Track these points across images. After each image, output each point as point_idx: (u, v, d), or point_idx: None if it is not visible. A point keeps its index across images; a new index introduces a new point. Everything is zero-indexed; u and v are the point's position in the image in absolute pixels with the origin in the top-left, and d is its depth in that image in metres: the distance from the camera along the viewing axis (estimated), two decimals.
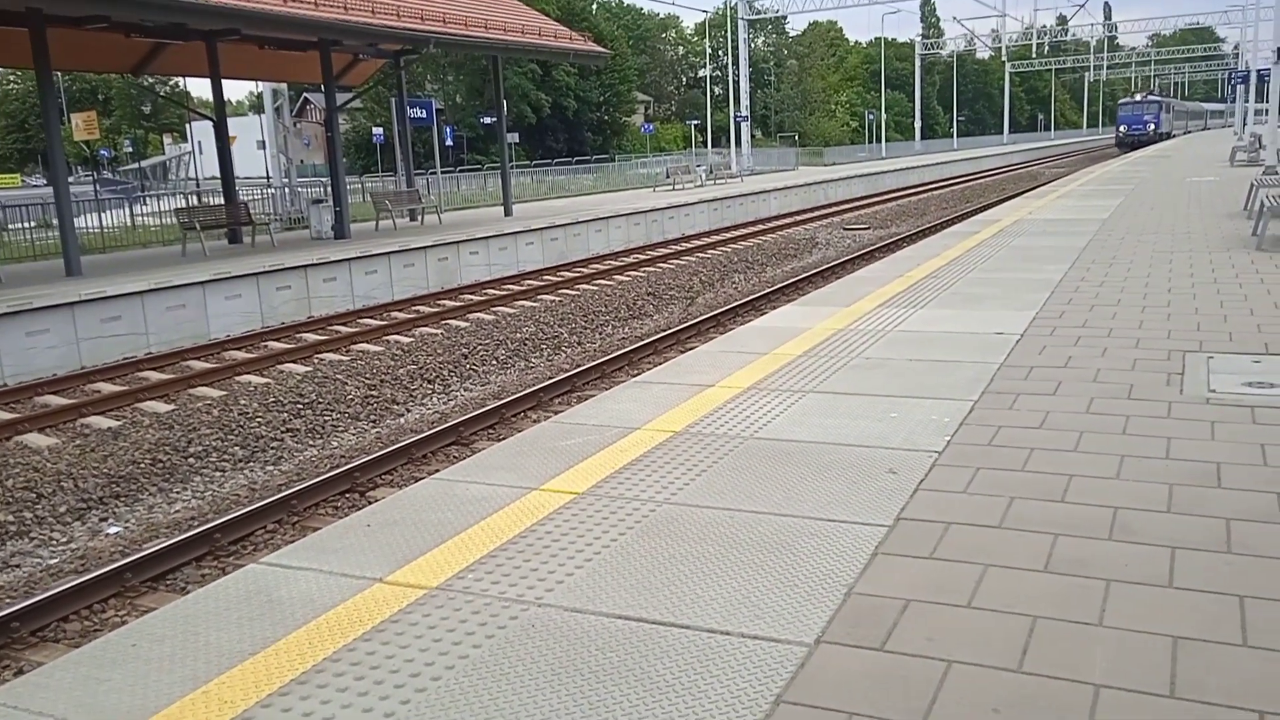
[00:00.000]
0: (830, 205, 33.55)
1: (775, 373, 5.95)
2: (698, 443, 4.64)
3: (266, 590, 3.26)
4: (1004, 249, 11.24)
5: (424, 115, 25.57)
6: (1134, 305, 7.44)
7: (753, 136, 65.65)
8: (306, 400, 10.47)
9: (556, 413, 7.78)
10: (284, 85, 24.51)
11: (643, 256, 20.99)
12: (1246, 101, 40.36)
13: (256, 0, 15.06)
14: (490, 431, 9.03)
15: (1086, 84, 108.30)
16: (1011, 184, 40.50)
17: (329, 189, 20.41)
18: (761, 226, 26.79)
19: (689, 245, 22.74)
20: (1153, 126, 62.72)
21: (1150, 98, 68.28)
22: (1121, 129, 65.20)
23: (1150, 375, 5.42)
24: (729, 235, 24.69)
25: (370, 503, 6.45)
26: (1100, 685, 2.48)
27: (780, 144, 69.32)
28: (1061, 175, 35.74)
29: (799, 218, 29.24)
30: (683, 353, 8.34)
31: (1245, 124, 40.97)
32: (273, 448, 9.29)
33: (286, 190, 23.41)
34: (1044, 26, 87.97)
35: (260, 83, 25.03)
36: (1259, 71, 32.04)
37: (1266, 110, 23.36)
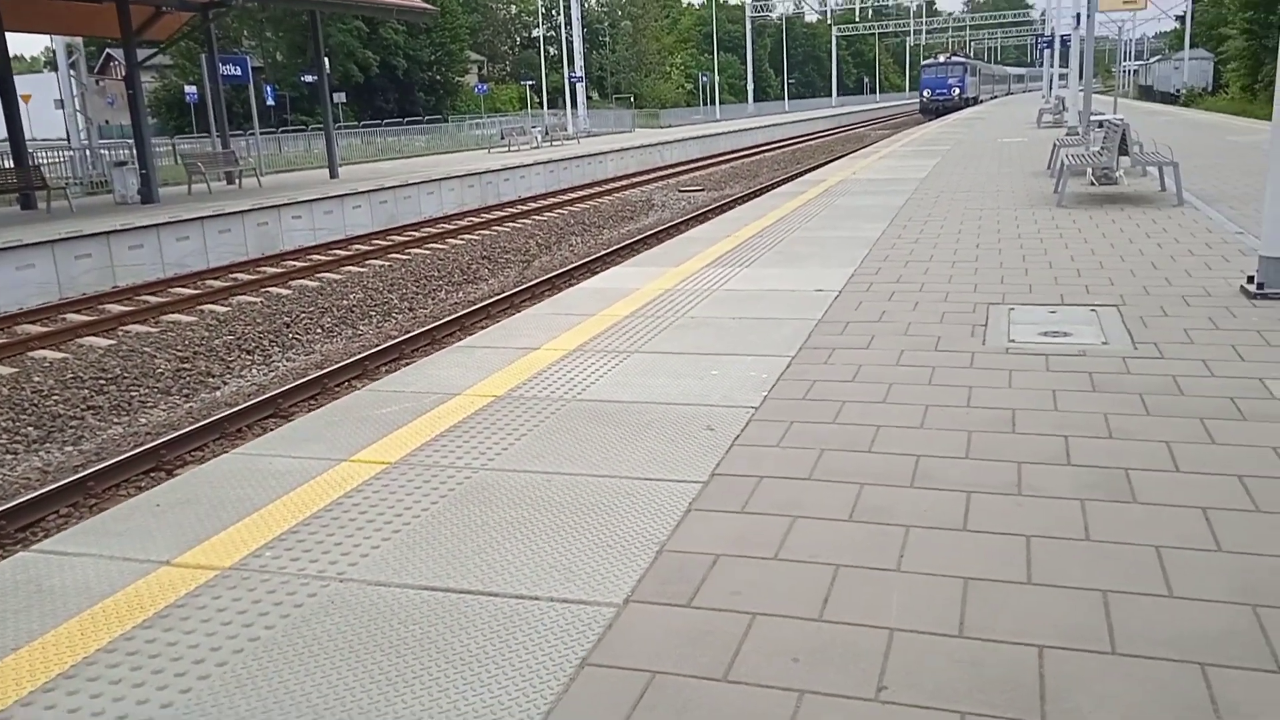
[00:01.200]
0: (666, 167, 33.77)
1: (602, 334, 5.90)
2: (519, 407, 4.54)
3: (37, 580, 2.99)
4: (828, 208, 11.55)
5: (239, 73, 24.23)
6: (945, 261, 7.75)
7: (589, 98, 65.30)
8: (110, 375, 9.78)
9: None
10: (80, 40, 22.68)
11: (477, 219, 20.58)
12: (1052, 66, 42.76)
13: None
14: (312, 403, 8.66)
15: (908, 48, 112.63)
16: (840, 145, 41.75)
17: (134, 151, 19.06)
18: (598, 189, 26.71)
19: (525, 208, 22.45)
20: (958, 91, 58.45)
21: (954, 59, 63.09)
22: (925, 94, 60.36)
23: (956, 327, 5.65)
24: (566, 197, 24.50)
25: None
26: (895, 629, 2.55)
27: (617, 106, 69.22)
28: (886, 136, 37.05)
29: (635, 180, 29.30)
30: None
31: (1051, 88, 43.48)
32: (72, 427, 8.63)
33: (87, 152, 21.73)
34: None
35: (54, 36, 23.03)
36: (1062, 37, 33.98)
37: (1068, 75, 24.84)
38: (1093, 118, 14.87)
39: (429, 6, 26.26)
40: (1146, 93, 71.22)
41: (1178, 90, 58.18)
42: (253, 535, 3.26)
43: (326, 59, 42.78)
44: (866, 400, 4.41)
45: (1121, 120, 11.71)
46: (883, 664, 2.39)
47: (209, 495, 3.62)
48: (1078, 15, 21.10)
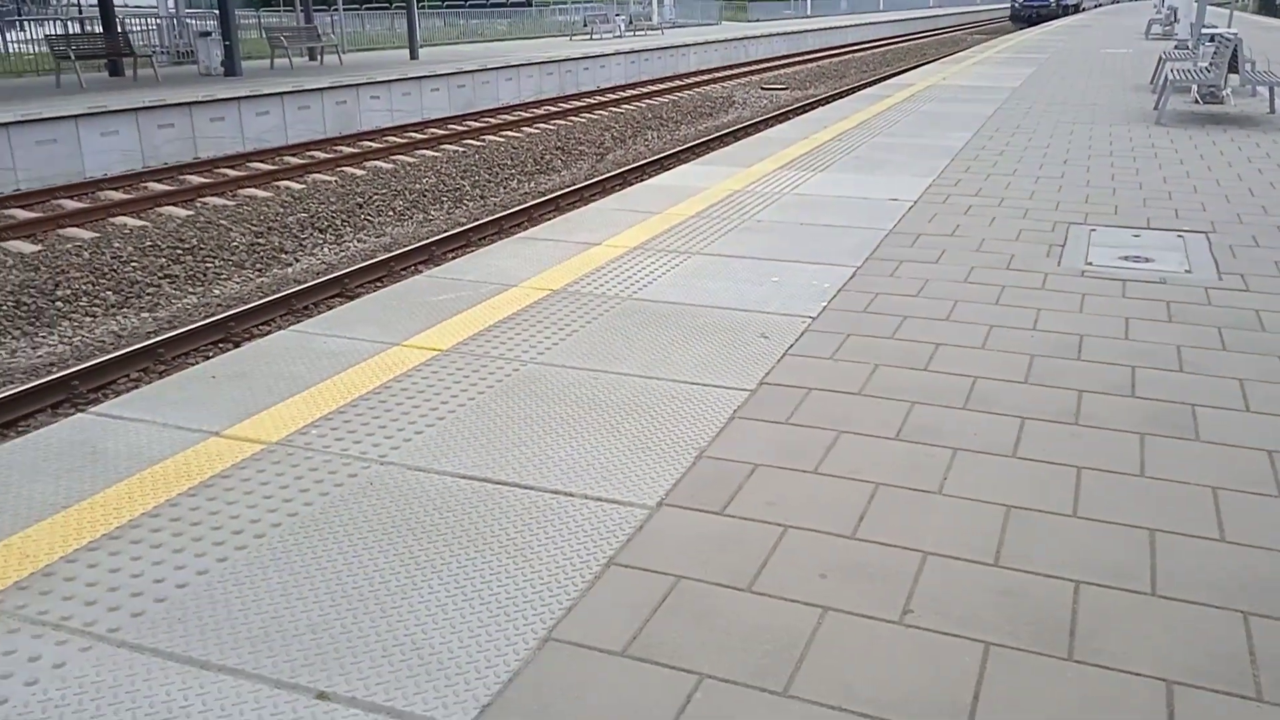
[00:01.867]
0: (751, 63, 32.81)
1: (664, 233, 5.81)
2: (574, 302, 4.52)
3: (92, 441, 3.09)
4: (912, 114, 11.12)
5: None
6: (1029, 175, 7.43)
7: None
8: (187, 245, 9.99)
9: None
10: None
11: (554, 109, 20.31)
12: None
13: None
14: (377, 284, 8.75)
15: None
16: (935, 49, 40.08)
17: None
18: (679, 82, 26.10)
19: (603, 99, 22.07)
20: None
21: None
22: (1018, 2, 53.36)
23: (1032, 246, 5.43)
24: (645, 90, 24.02)
25: None
26: (928, 553, 2.50)
27: None
28: (983, 41, 35.43)
29: (718, 75, 28.55)
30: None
31: None
32: (148, 294, 8.88)
33: (175, 22, 21.83)
34: None
35: None
36: None
37: None
38: (1204, 31, 13.97)
39: None
40: (1268, 6, 66.69)
41: None
42: (301, 412, 3.31)
43: None
44: (928, 317, 4.29)
45: (1235, 35, 10.96)
46: (911, 587, 2.35)
47: (263, 370, 3.68)
48: None
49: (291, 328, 4.22)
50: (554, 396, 3.46)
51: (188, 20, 22.21)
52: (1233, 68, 10.87)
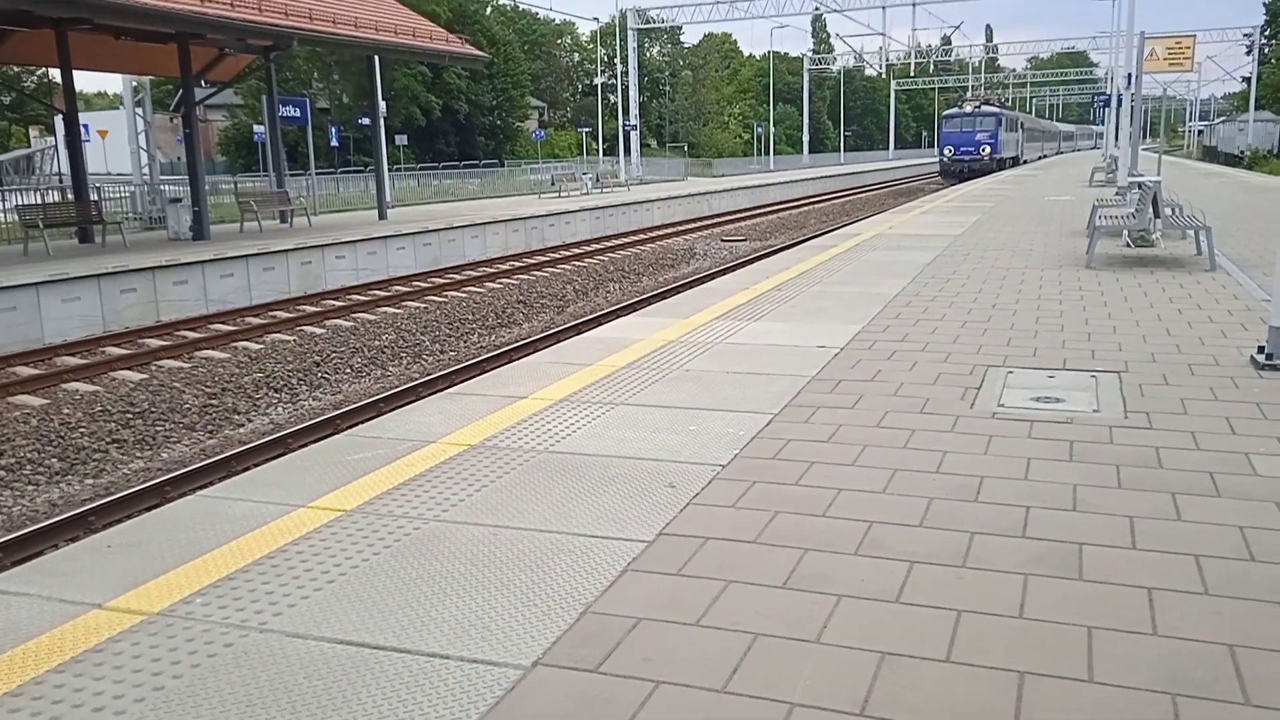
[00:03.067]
0: (714, 216, 33.91)
1: (593, 384, 5.91)
2: (490, 456, 4.56)
3: None
4: (854, 263, 11.49)
5: (298, 114, 24.93)
6: (956, 320, 7.65)
7: (646, 146, 66.01)
8: (138, 409, 10.01)
9: None
10: (147, 78, 23.55)
11: (519, 264, 20.81)
12: (1103, 124, 42.54)
13: None
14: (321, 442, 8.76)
15: None
16: (890, 199, 41.59)
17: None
18: (643, 236, 26.89)
19: (568, 253, 22.66)
20: (988, 150, 45.80)
21: (985, 108, 48.42)
22: (945, 152, 47.89)
23: (948, 389, 5.56)
24: (609, 244, 24.70)
25: None
26: (795, 704, 2.48)
27: (671, 154, 69.89)
28: (936, 190, 36.82)
29: (681, 228, 29.44)
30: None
31: (1110, 146, 43.01)
32: (94, 460, 8.83)
33: (148, 188, 22.46)
34: (930, 46, 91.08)
35: (123, 75, 23.93)
36: (1120, 95, 33.62)
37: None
38: (1130, 178, 14.64)
39: (482, 53, 26.86)
40: (1211, 154, 70.09)
41: (1241, 152, 57.16)
42: (190, 580, 3.29)
43: (390, 102, 43.92)
44: (835, 462, 4.35)
45: (1156, 181, 11.51)
46: None
47: (160, 538, 3.67)
48: (1129, 75, 20.89)
49: (200, 492, 4.23)
50: (450, 555, 3.46)
51: (161, 187, 22.85)
52: (1157, 212, 11.37)
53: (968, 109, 48.69)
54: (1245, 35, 65.06)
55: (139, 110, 23.10)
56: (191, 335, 13.17)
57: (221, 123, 55.91)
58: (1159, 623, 2.85)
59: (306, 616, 3.02)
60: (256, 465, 8.12)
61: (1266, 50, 60.02)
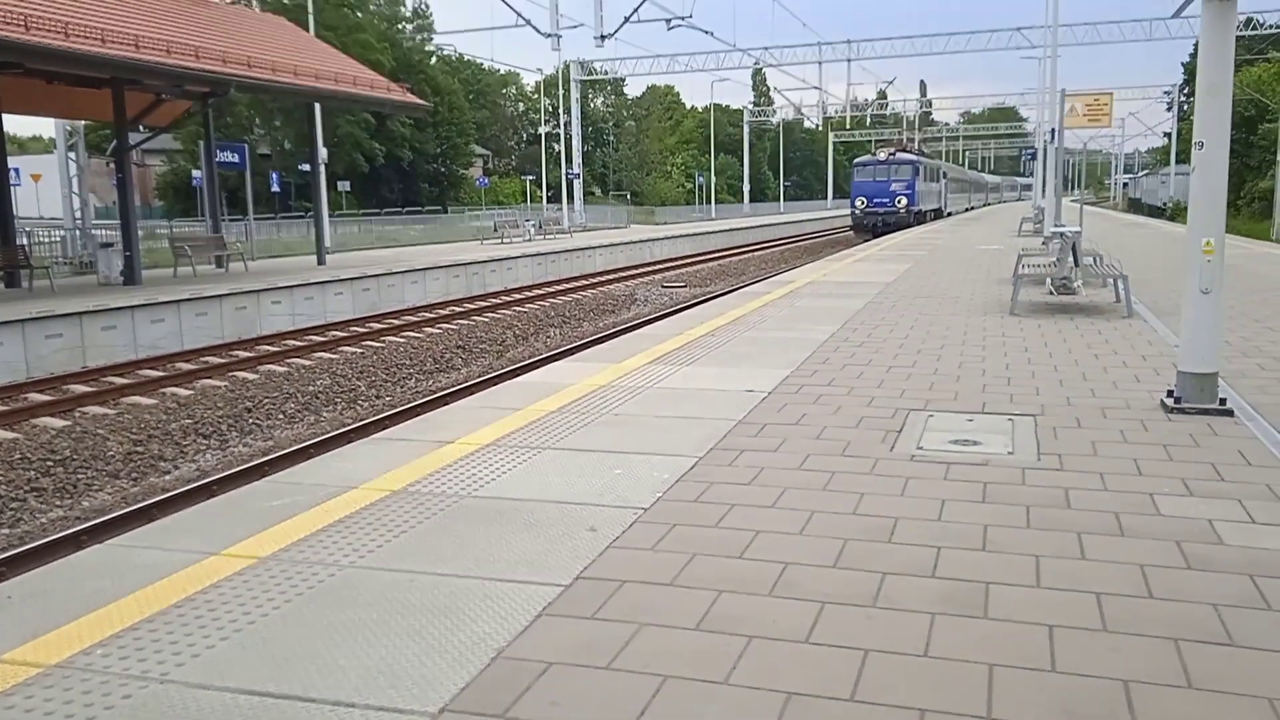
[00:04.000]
0: (655, 263, 34.19)
1: (522, 429, 5.91)
2: (412, 502, 4.53)
3: None
4: (787, 309, 11.66)
5: (236, 160, 24.74)
6: (882, 365, 7.80)
7: (590, 194, 66.47)
8: (59, 457, 9.75)
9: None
10: (82, 122, 23.24)
11: (459, 309, 20.73)
12: (1028, 175, 44.16)
13: (38, 32, 14.24)
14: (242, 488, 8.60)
15: None
16: (828, 247, 42.30)
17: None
18: (585, 282, 26.99)
19: (509, 299, 22.65)
20: (904, 201, 41.42)
21: (901, 155, 43.97)
22: (856, 205, 42.93)
23: (870, 433, 5.65)
24: (551, 290, 24.75)
25: None
26: None
27: (615, 201, 70.49)
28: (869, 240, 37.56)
29: (623, 274, 29.63)
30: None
31: (1038, 197, 44.35)
32: (11, 509, 8.57)
33: (78, 232, 22.07)
34: (866, 100, 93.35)
35: (56, 119, 23.58)
36: (1046, 149, 34.78)
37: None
38: (1054, 228, 15.12)
39: (423, 102, 26.97)
40: (1135, 205, 72.60)
41: (1164, 204, 59.29)
42: (92, 631, 3.21)
43: (333, 149, 43.79)
44: (755, 504, 4.40)
45: (1076, 231, 11.90)
46: None
47: (64, 588, 3.58)
48: (1051, 130, 21.62)
49: (109, 541, 4.14)
50: (363, 602, 3.42)
51: (93, 231, 22.45)
52: (1078, 261, 11.73)
53: (881, 156, 43.89)
54: (1165, 93, 67.92)
55: (72, 154, 22.74)
56: (119, 381, 12.88)
57: (160, 167, 55.18)
58: (1058, 659, 2.92)
59: (210, 666, 2.96)
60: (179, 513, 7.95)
61: (1186, 107, 62.58)
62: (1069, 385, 6.90)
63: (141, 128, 22.02)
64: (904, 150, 46.55)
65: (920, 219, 42.65)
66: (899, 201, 41.51)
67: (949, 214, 51.84)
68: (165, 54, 15.77)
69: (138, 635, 3.18)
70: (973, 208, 65.74)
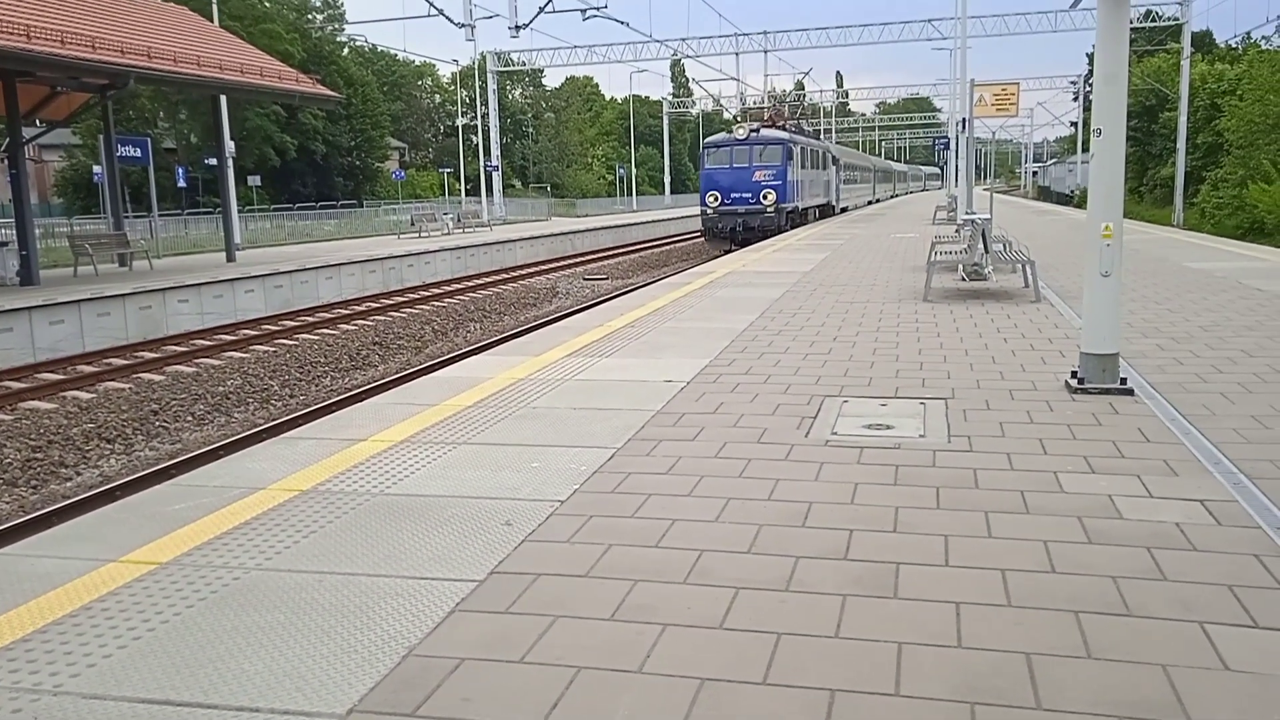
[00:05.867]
0: (577, 255, 34.09)
1: (436, 425, 5.82)
2: (321, 501, 4.42)
3: None
4: (706, 299, 11.71)
5: (139, 154, 23.94)
6: (798, 353, 7.88)
7: (510, 186, 65.97)
8: None
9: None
10: None
11: (375, 305, 20.41)
12: (941, 164, 44.92)
13: None
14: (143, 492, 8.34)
15: None
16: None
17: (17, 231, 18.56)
18: (505, 276, 26.79)
19: (427, 294, 22.36)
20: (773, 196, 29.66)
21: (767, 133, 31.33)
22: (709, 200, 30.38)
23: (785, 420, 5.70)
24: (470, 284, 24.51)
25: None
26: None
27: (535, 194, 70.06)
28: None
29: (544, 267, 29.49)
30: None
31: (951, 186, 45.37)
32: None
33: None
34: (784, 91, 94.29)
35: None
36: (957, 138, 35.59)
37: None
38: (965, 216, 15.47)
39: (333, 94, 26.42)
40: (1044, 193, 74.75)
41: (1071, 191, 61.16)
42: None
43: (242, 143, 42.64)
44: (673, 493, 4.40)
45: (984, 219, 12.19)
46: None
47: None
48: (962, 120, 22.14)
49: (1, 550, 3.96)
50: (269, 605, 3.33)
51: None
52: (988, 247, 12.01)
53: (740, 133, 30.73)
54: (1071, 83, 69.99)
55: None
56: (15, 385, 12.37)
57: (59, 163, 53.12)
58: (964, 635, 2.97)
59: (107, 676, 2.85)
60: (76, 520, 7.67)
61: (1090, 96, 64.68)
62: (979, 369, 7.06)
63: (37, 122, 21.17)
64: (775, 126, 33.49)
65: (799, 219, 31.84)
66: (765, 196, 29.45)
67: (842, 209, 42.12)
68: (59, 44, 15.16)
69: (29, 647, 3.04)
70: (878, 200, 58.15)
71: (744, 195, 29.80)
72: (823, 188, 37.84)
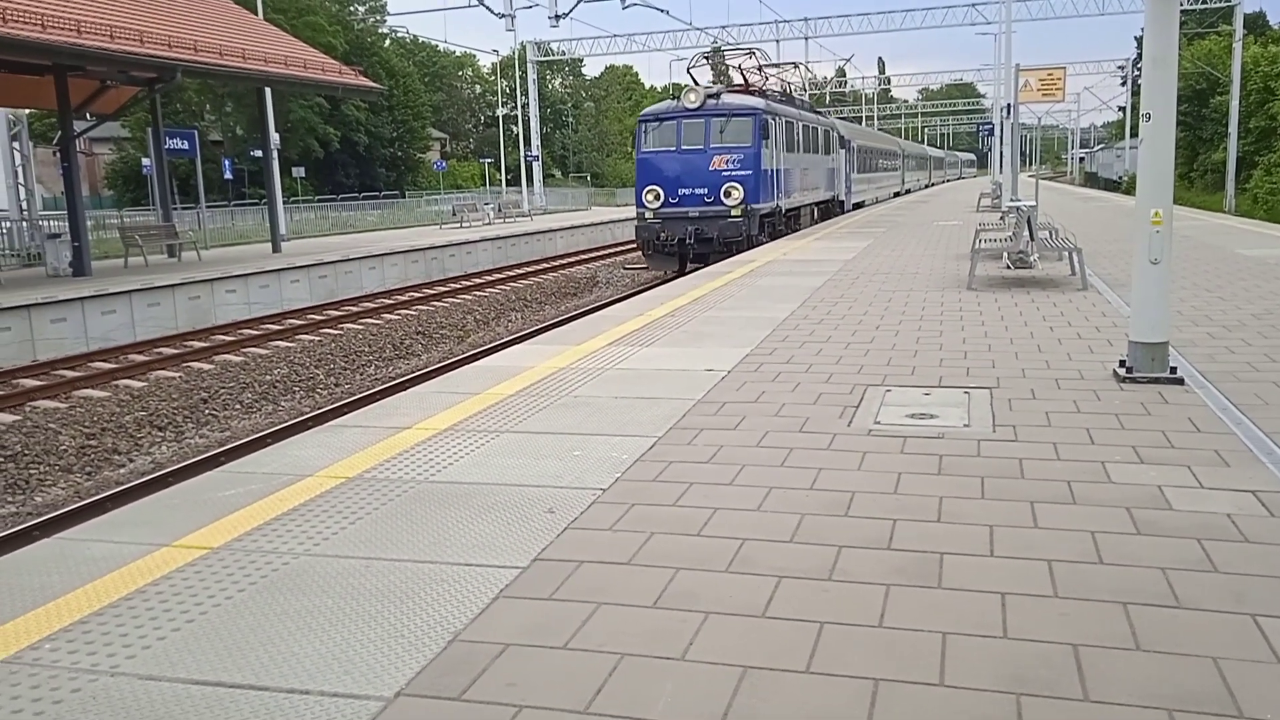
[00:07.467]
0: (616, 244, 34.08)
1: (480, 413, 5.87)
2: (367, 488, 4.48)
3: None
4: (747, 288, 11.68)
5: (186, 146, 24.31)
6: (840, 342, 7.83)
7: (550, 176, 66.14)
8: (9, 452, 9.57)
9: None
10: (25, 111, 22.70)
11: (418, 295, 20.58)
12: (985, 150, 44.12)
13: None
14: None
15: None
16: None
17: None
18: (546, 265, 26.88)
19: (469, 283, 22.51)
20: (740, 193, 19.20)
21: (731, 99, 20.32)
22: (647, 199, 19.68)
23: (828, 409, 5.68)
24: (511, 273, 24.63)
25: None
26: None
27: (575, 183, 70.14)
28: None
29: (584, 257, 29.55)
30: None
31: (995, 172, 44.73)
32: None
33: (25, 224, 21.59)
34: (825, 78, 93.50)
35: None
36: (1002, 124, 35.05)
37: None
38: (1010, 203, 15.26)
39: (375, 85, 26.65)
40: (1091, 179, 73.49)
41: (1120, 177, 60.06)
42: (39, 626, 3.15)
43: (286, 134, 43.16)
44: (714, 482, 4.40)
45: (1030, 205, 12.01)
46: None
47: (11, 583, 3.51)
48: (1007, 105, 21.81)
49: (57, 535, 4.06)
50: (317, 590, 3.39)
51: (41, 222, 21.98)
52: (1034, 235, 11.84)
53: (693, 101, 19.93)
54: (1119, 67, 68.65)
55: (16, 144, 22.21)
56: (70, 374, 12.65)
57: (109, 155, 54.11)
58: (1010, 626, 2.95)
59: (161, 658, 2.92)
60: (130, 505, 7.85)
61: (1139, 81, 63.44)
62: (1024, 358, 6.98)
63: (88, 116, 21.58)
64: (746, 90, 22.55)
65: (781, 223, 22.03)
66: (729, 194, 19.43)
67: (854, 205, 32.80)
68: (109, 39, 15.43)
69: (87, 629, 3.13)
70: (908, 191, 49.80)
71: (697, 191, 19.61)
72: (824, 178, 27.38)
